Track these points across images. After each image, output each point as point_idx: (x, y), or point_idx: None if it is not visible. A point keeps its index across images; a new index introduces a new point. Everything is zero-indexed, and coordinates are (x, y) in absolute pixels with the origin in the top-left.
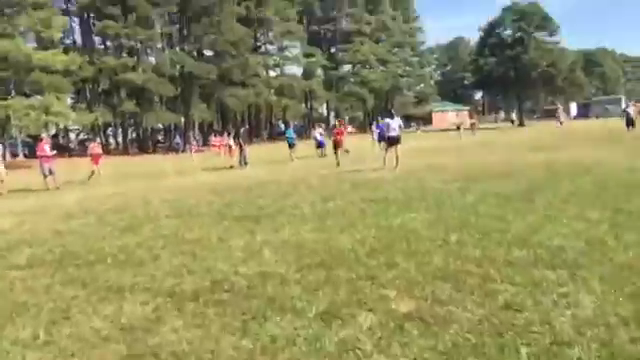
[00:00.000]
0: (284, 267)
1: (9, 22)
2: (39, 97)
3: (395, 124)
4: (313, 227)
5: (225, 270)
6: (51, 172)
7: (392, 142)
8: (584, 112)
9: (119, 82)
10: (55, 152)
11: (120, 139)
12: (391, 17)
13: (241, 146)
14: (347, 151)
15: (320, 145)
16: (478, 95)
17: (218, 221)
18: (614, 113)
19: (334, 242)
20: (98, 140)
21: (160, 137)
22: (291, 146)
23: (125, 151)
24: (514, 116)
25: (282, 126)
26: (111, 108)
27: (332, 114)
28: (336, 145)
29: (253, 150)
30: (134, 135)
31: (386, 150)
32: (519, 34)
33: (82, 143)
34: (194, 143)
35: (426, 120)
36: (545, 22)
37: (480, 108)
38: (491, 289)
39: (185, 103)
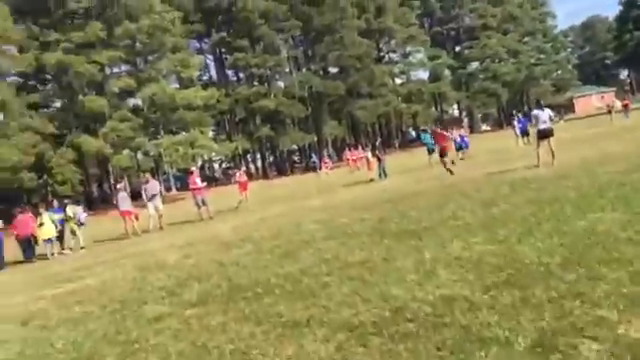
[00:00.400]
0: (467, 288)
1: (152, 67)
2: (184, 133)
3: (545, 115)
4: (484, 238)
5: (402, 296)
6: (204, 203)
7: (544, 135)
8: None
9: (254, 110)
10: (205, 183)
11: (259, 164)
12: (517, 5)
13: (379, 158)
14: (453, 162)
15: (460, 147)
16: (624, 74)
17: (377, 240)
18: None
19: (515, 255)
20: (243, 168)
21: (296, 158)
22: (430, 152)
23: (265, 175)
24: None
25: (413, 133)
26: (248, 135)
27: (464, 114)
28: (442, 153)
29: (388, 160)
30: (271, 159)
31: (538, 145)
32: None
33: (225, 172)
34: (327, 160)
35: (567, 108)
36: None
37: (627, 87)
38: None
39: (316, 122)
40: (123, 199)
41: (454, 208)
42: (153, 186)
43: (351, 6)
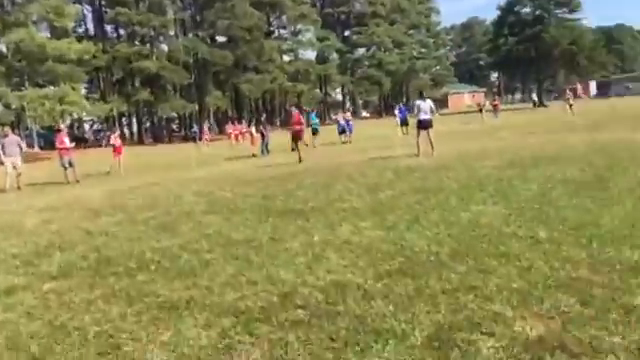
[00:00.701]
0: (360, 275)
1: (21, 10)
2: (52, 87)
3: (426, 106)
4: (373, 223)
5: (291, 280)
6: (71, 164)
7: (424, 126)
8: (604, 91)
9: (133, 71)
10: (74, 144)
11: (134, 129)
12: None
13: (262, 134)
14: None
15: (343, 131)
16: (494, 76)
17: (263, 217)
18: (636, 92)
19: (406, 242)
20: (118, 131)
21: (174, 126)
22: (315, 132)
23: (140, 141)
24: (534, 96)
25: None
26: (125, 97)
27: (347, 98)
28: (295, 138)
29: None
30: (147, 125)
31: (418, 134)
32: (539, 12)
33: (96, 133)
34: (207, 132)
35: (442, 103)
36: None
37: (496, 89)
38: (630, 304)
39: (199, 91)
40: None
41: (340, 190)
42: (12, 141)
43: None
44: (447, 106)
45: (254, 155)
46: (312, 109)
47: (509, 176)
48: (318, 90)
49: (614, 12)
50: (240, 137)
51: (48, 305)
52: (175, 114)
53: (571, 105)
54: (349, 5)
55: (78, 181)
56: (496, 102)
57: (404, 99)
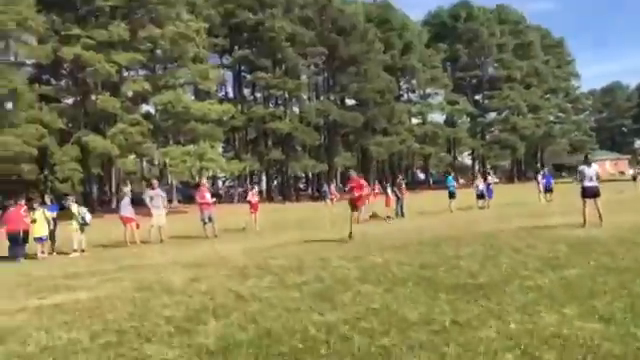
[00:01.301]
0: None
1: (171, 75)
2: (192, 146)
3: (591, 172)
4: (580, 312)
5: None
6: (210, 219)
7: (589, 194)
8: None
9: (267, 131)
10: (215, 199)
11: (263, 186)
12: (543, 61)
13: (398, 196)
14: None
15: (482, 196)
16: (638, 143)
17: (430, 292)
18: None
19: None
20: (257, 188)
21: (302, 185)
22: (452, 195)
23: (269, 198)
24: None
25: (421, 175)
26: (258, 156)
27: (476, 162)
28: (353, 204)
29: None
30: (276, 183)
31: (584, 204)
32: None
33: (228, 190)
34: (334, 191)
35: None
36: None
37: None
38: None
39: (328, 151)
40: (126, 204)
41: (510, 263)
42: (158, 193)
43: (378, 40)
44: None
45: (388, 217)
46: (447, 171)
47: None
48: (446, 153)
49: None
50: (367, 199)
51: None
52: (302, 173)
53: None
54: (482, 69)
55: (217, 236)
56: None
57: (538, 165)
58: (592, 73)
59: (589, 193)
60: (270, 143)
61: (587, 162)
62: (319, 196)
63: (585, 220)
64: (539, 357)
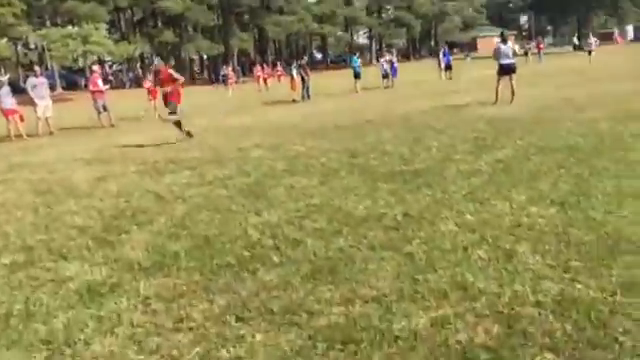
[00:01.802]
0: (588, 283)
1: None
2: (73, 27)
3: (508, 49)
4: (529, 197)
5: (492, 291)
6: (105, 108)
7: (507, 71)
8: None
9: (156, 11)
10: (108, 86)
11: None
12: None
13: (303, 78)
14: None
15: (386, 75)
16: (523, 19)
17: (368, 182)
18: None
19: (611, 229)
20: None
21: (196, 69)
22: (357, 76)
23: None
24: (575, 40)
25: (318, 55)
26: (148, 38)
27: (374, 41)
28: (165, 98)
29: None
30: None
31: (498, 81)
32: None
33: (116, 74)
34: (232, 75)
35: (471, 47)
36: None
37: (525, 33)
38: None
39: (224, 32)
40: (5, 95)
41: (438, 146)
42: (43, 81)
43: None
44: (476, 50)
45: (294, 100)
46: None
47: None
48: (344, 32)
49: None
50: (269, 81)
51: (159, 328)
52: (196, 57)
53: (591, 52)
54: None
55: (113, 125)
56: (541, 45)
57: (432, 43)
58: None
59: (506, 70)
60: (160, 24)
61: (503, 40)
62: (217, 80)
63: (497, 97)
64: (513, 250)
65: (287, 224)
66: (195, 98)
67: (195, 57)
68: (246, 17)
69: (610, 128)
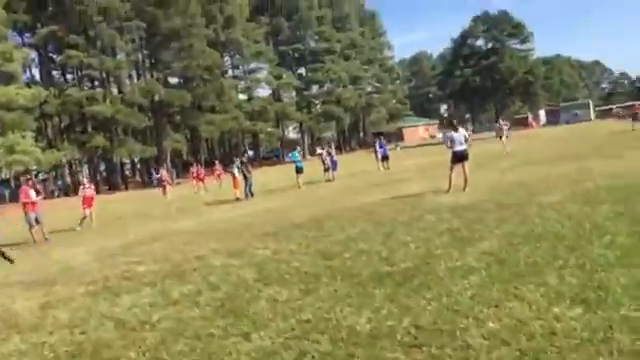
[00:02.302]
0: None
1: None
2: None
3: (460, 137)
4: (546, 293)
5: None
6: (37, 221)
7: (460, 158)
8: (553, 119)
9: (85, 116)
10: (41, 196)
11: (85, 176)
12: (359, 33)
13: (245, 176)
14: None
15: (328, 168)
16: (443, 108)
17: (359, 290)
18: (583, 118)
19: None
20: (87, 180)
21: (127, 172)
22: (299, 171)
23: (96, 189)
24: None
25: (250, 152)
26: (77, 144)
27: (305, 135)
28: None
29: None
30: (100, 172)
31: (451, 169)
32: (492, 44)
33: (43, 183)
34: (167, 176)
35: (398, 136)
36: (517, 29)
37: (445, 121)
38: None
39: (155, 134)
40: None
41: (414, 241)
42: None
43: (200, 14)
44: (403, 139)
45: (238, 199)
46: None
47: (597, 216)
48: (275, 128)
49: (548, 44)
50: (206, 181)
51: None
52: (127, 160)
53: (500, 137)
54: (303, 42)
55: (47, 239)
56: (470, 132)
57: (361, 134)
58: (399, 42)
59: (460, 157)
60: (90, 128)
61: (454, 128)
62: (150, 183)
63: (450, 185)
64: None
65: (285, 349)
66: (132, 204)
67: (126, 160)
68: (178, 118)
69: (579, 211)
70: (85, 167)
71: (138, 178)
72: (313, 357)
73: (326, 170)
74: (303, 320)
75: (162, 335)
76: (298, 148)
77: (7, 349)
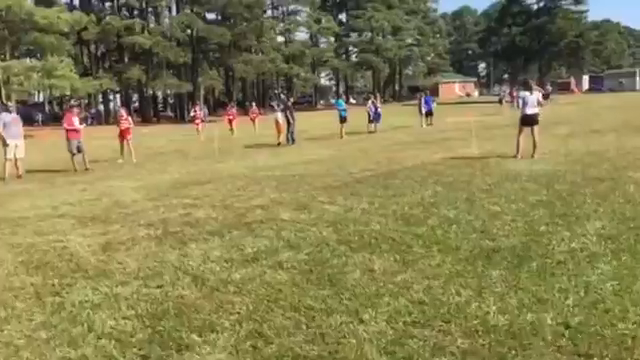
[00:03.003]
0: None
1: None
2: (36, 60)
3: (533, 99)
4: None
5: None
6: (80, 150)
7: (530, 122)
8: (596, 86)
9: (122, 45)
10: (84, 125)
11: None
12: None
13: (289, 120)
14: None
15: (373, 119)
16: (481, 66)
17: (468, 267)
18: (628, 87)
19: None
20: (124, 111)
21: (160, 106)
22: (343, 120)
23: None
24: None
25: (283, 96)
26: (114, 74)
27: (340, 83)
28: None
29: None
30: (136, 104)
31: (520, 132)
32: (543, 2)
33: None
34: (200, 114)
35: (433, 92)
36: None
37: (484, 80)
38: None
39: (193, 70)
40: None
41: (504, 211)
42: (15, 119)
43: None
44: (438, 95)
45: (279, 144)
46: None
47: None
48: (312, 74)
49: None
50: (231, 123)
51: None
52: (160, 94)
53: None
54: None
55: (88, 169)
56: (514, 93)
57: (397, 86)
58: None
59: (530, 121)
60: (126, 59)
61: (529, 88)
62: (182, 118)
63: (519, 150)
64: None
65: (411, 338)
66: (168, 139)
67: (158, 94)
68: (214, 55)
69: None
70: (117, 97)
71: (169, 113)
72: (454, 355)
73: (370, 121)
74: (416, 301)
75: (252, 302)
76: (343, 96)
77: (78, 297)
